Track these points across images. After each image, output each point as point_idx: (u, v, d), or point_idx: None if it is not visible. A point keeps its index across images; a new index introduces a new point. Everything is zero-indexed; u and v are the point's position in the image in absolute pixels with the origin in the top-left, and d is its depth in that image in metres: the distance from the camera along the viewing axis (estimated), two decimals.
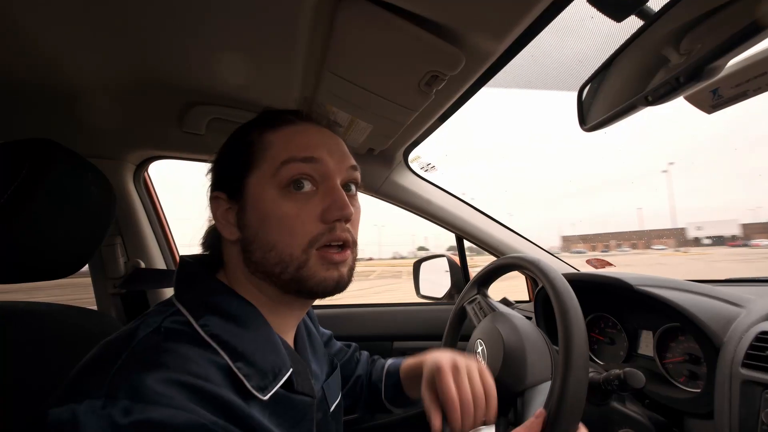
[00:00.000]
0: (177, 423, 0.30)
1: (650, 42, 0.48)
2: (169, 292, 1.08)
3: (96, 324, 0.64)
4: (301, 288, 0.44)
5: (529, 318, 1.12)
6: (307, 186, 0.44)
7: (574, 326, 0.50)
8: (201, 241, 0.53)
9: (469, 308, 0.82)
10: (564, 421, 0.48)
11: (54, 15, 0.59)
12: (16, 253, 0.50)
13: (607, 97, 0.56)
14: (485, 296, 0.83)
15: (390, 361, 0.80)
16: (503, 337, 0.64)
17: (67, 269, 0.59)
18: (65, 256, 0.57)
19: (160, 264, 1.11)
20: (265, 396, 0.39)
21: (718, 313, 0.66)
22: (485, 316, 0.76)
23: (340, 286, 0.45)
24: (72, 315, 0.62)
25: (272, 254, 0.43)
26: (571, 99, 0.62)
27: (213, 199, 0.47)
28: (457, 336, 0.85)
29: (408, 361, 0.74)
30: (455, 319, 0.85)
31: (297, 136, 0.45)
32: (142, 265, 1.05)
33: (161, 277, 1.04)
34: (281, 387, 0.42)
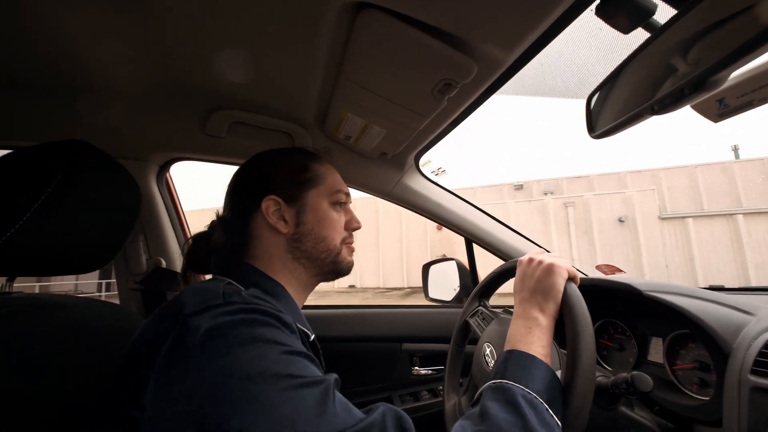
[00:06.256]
0: (275, 313, 0.44)
1: (657, 53, 0.50)
2: None
3: (118, 317, 0.66)
4: (336, 268, 0.63)
5: None
6: (341, 207, 0.66)
7: (581, 323, 0.52)
8: (224, 238, 0.62)
9: (471, 321, 0.84)
10: (572, 419, 0.49)
11: (85, 19, 0.62)
12: (50, 249, 0.53)
13: (615, 105, 0.57)
14: (486, 306, 0.85)
15: None
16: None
17: (96, 264, 0.62)
18: (94, 251, 0.61)
19: (179, 262, 1.15)
20: (309, 339, 0.54)
21: (727, 320, 0.65)
22: (489, 323, 0.78)
23: (352, 266, 0.66)
24: (96, 307, 0.65)
25: (322, 245, 0.61)
26: (579, 107, 0.64)
27: (267, 201, 0.60)
28: (462, 351, 0.87)
29: None
30: (459, 334, 0.87)
31: (336, 175, 0.67)
32: (164, 263, 1.09)
33: (179, 280, 1.08)
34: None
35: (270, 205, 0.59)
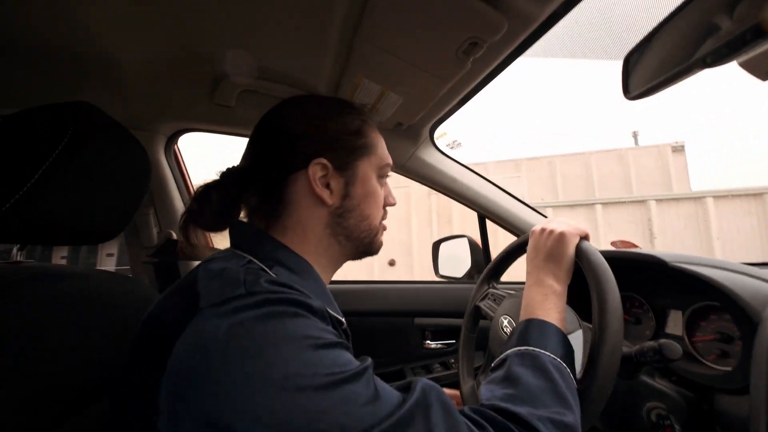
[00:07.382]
0: (305, 301, 0.39)
1: (706, 3, 0.46)
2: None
3: (130, 289, 0.65)
4: (370, 248, 0.58)
5: None
6: (383, 181, 0.60)
7: (601, 270, 0.53)
8: (250, 198, 0.54)
9: (482, 304, 0.83)
10: (596, 387, 0.49)
11: None
12: (59, 216, 0.50)
13: (656, 62, 0.54)
14: (496, 288, 0.84)
15: None
16: None
17: (105, 235, 0.60)
18: (103, 221, 0.58)
19: None
20: (342, 327, 0.48)
21: (756, 290, 0.64)
22: (503, 301, 0.76)
23: (381, 247, 0.61)
24: (108, 279, 0.63)
25: (365, 223, 0.55)
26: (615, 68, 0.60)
27: (315, 164, 0.52)
28: (474, 336, 0.86)
29: None
30: (470, 319, 0.86)
31: (383, 143, 0.60)
32: (174, 236, 1.08)
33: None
34: None
35: (317, 170, 0.51)
